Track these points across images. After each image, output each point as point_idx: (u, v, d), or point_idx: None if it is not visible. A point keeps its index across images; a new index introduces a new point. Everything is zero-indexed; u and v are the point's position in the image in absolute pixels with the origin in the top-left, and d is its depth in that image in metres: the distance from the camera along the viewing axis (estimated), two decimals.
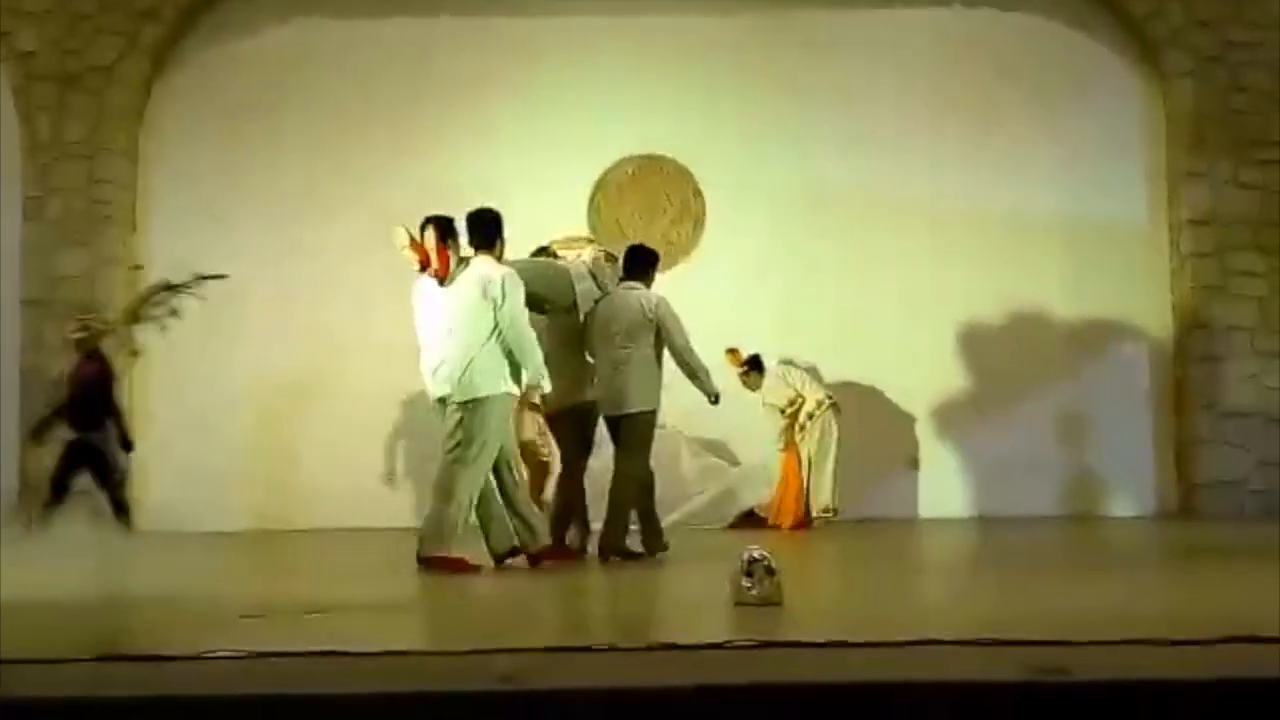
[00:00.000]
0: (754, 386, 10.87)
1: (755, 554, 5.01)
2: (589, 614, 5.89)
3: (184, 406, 11.64)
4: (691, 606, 5.66)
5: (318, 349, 11.70)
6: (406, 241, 7.64)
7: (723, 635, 4.08)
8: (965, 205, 11.65)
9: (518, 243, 11.25)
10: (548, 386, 7.42)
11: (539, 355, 7.31)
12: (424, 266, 7.63)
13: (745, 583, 4.97)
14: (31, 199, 11.62)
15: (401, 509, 10.91)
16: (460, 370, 7.25)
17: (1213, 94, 11.42)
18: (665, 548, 8.01)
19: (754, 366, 10.90)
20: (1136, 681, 3.21)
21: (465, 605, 5.99)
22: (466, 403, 7.22)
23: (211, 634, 4.12)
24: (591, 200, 11.89)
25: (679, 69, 11.86)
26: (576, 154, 11.81)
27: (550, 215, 11.41)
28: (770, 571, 4.98)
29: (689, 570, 7.45)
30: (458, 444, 7.16)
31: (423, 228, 7.64)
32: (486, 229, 7.55)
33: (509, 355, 7.25)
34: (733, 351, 10.91)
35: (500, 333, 7.22)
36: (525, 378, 7.27)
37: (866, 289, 11.67)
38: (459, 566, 6.98)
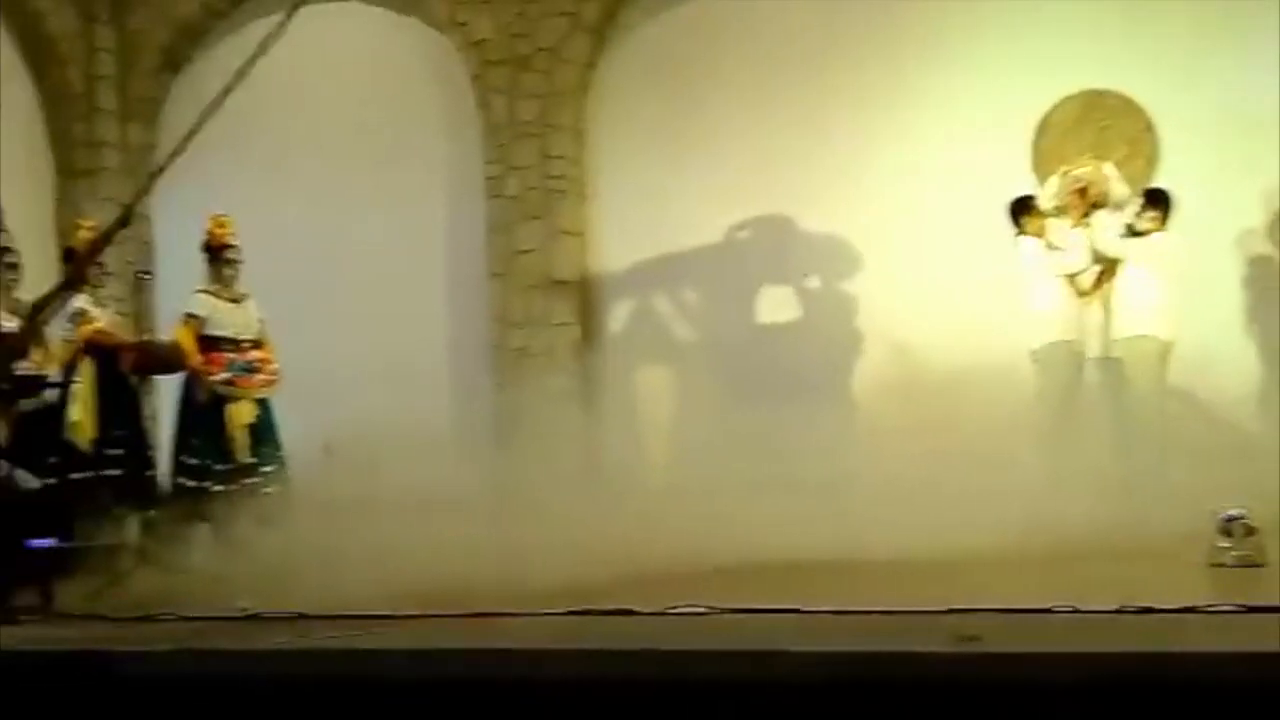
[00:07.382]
0: None
1: (1233, 512, 4.75)
2: None
3: None
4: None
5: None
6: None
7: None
8: None
9: (955, 197, 11.09)
10: None
11: None
12: None
13: (1223, 543, 4.74)
14: (491, 179, 12.42)
15: None
16: None
17: None
18: None
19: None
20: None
21: None
22: None
23: None
24: (1035, 144, 11.35)
25: None
26: (1014, 97, 11.30)
27: (990, 161, 11.09)
28: (1250, 531, 4.72)
29: None
30: None
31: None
32: None
33: None
34: None
35: None
36: None
37: None
38: None
